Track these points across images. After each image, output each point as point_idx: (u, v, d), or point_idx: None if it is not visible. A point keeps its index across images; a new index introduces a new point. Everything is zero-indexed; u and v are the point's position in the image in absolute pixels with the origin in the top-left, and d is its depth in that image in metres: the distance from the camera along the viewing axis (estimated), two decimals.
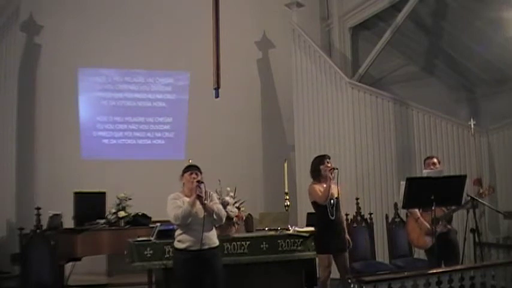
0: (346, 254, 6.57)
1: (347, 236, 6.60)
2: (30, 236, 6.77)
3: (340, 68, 10.19)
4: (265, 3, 11.29)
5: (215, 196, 5.69)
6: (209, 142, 10.39)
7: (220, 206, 5.61)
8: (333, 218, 6.38)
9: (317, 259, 6.85)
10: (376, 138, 9.63)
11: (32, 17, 10.13)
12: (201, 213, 5.40)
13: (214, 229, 5.60)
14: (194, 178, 5.45)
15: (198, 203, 5.39)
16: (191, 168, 5.55)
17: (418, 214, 6.72)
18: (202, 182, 5.40)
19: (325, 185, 6.41)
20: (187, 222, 5.37)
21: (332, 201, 6.40)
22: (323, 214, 6.41)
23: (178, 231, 5.51)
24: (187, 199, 5.43)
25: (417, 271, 5.63)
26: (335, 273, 6.55)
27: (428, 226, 6.46)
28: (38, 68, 10.17)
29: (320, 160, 6.58)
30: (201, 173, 5.54)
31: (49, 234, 7.12)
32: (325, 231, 6.43)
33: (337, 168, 6.43)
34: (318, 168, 6.53)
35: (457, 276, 5.37)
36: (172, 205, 5.44)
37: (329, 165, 6.49)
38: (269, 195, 10.57)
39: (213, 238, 5.52)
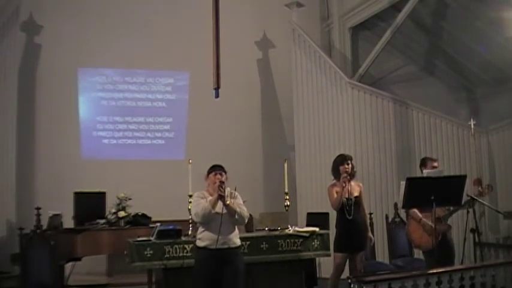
0: (362, 254, 6.61)
1: (369, 234, 6.68)
2: (30, 236, 6.77)
3: (340, 68, 10.18)
4: (265, 3, 11.30)
5: (239, 197, 5.64)
6: (209, 142, 10.39)
7: (244, 207, 5.56)
8: (350, 217, 6.43)
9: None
10: (376, 138, 9.63)
11: (32, 17, 10.14)
12: (224, 214, 5.38)
13: (236, 229, 5.58)
14: (218, 179, 5.45)
15: (221, 203, 5.39)
16: (215, 169, 5.54)
17: (420, 215, 6.71)
18: (223, 182, 5.41)
19: (340, 187, 6.49)
20: (207, 221, 5.37)
21: (349, 201, 6.46)
22: (341, 213, 6.50)
23: (199, 229, 5.51)
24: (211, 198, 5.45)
25: (417, 271, 5.63)
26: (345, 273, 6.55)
27: (432, 225, 6.44)
28: (38, 68, 10.18)
29: (341, 161, 6.61)
30: (225, 173, 5.55)
31: (49, 234, 7.13)
32: (342, 231, 6.50)
33: (349, 177, 6.51)
34: (338, 168, 6.58)
35: (457, 276, 5.38)
36: (195, 202, 5.46)
37: (348, 167, 6.53)
38: (269, 195, 10.57)
39: (233, 238, 5.49)
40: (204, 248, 5.40)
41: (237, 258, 5.49)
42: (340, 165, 6.56)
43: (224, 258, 5.38)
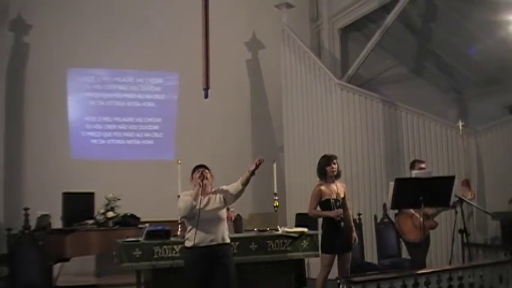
0: (350, 254, 6.62)
1: (354, 234, 6.65)
2: (18, 236, 6.73)
3: (330, 69, 10.18)
4: (255, 3, 11.30)
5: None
6: (198, 142, 10.37)
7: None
8: (338, 219, 6.42)
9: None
10: (365, 139, 9.63)
11: (20, 16, 10.07)
12: (210, 211, 5.42)
13: (224, 227, 5.56)
14: (199, 171, 5.54)
15: (205, 200, 5.45)
16: (198, 168, 5.62)
17: (412, 211, 6.84)
18: (204, 176, 5.50)
19: (327, 188, 6.50)
20: (190, 215, 5.34)
21: (338, 202, 6.47)
22: None
23: (187, 229, 5.50)
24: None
25: (406, 271, 5.65)
26: (332, 274, 6.55)
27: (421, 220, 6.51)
28: (26, 68, 10.11)
29: (326, 161, 6.60)
30: (209, 170, 5.61)
31: (37, 234, 7.08)
32: (330, 231, 6.48)
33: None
34: (324, 169, 6.57)
35: (445, 277, 5.41)
36: (180, 199, 5.50)
37: (334, 167, 6.55)
38: (258, 196, 10.52)
39: (221, 235, 5.46)
40: (192, 247, 5.36)
41: (227, 255, 5.47)
42: (327, 166, 6.56)
43: (214, 256, 5.35)
